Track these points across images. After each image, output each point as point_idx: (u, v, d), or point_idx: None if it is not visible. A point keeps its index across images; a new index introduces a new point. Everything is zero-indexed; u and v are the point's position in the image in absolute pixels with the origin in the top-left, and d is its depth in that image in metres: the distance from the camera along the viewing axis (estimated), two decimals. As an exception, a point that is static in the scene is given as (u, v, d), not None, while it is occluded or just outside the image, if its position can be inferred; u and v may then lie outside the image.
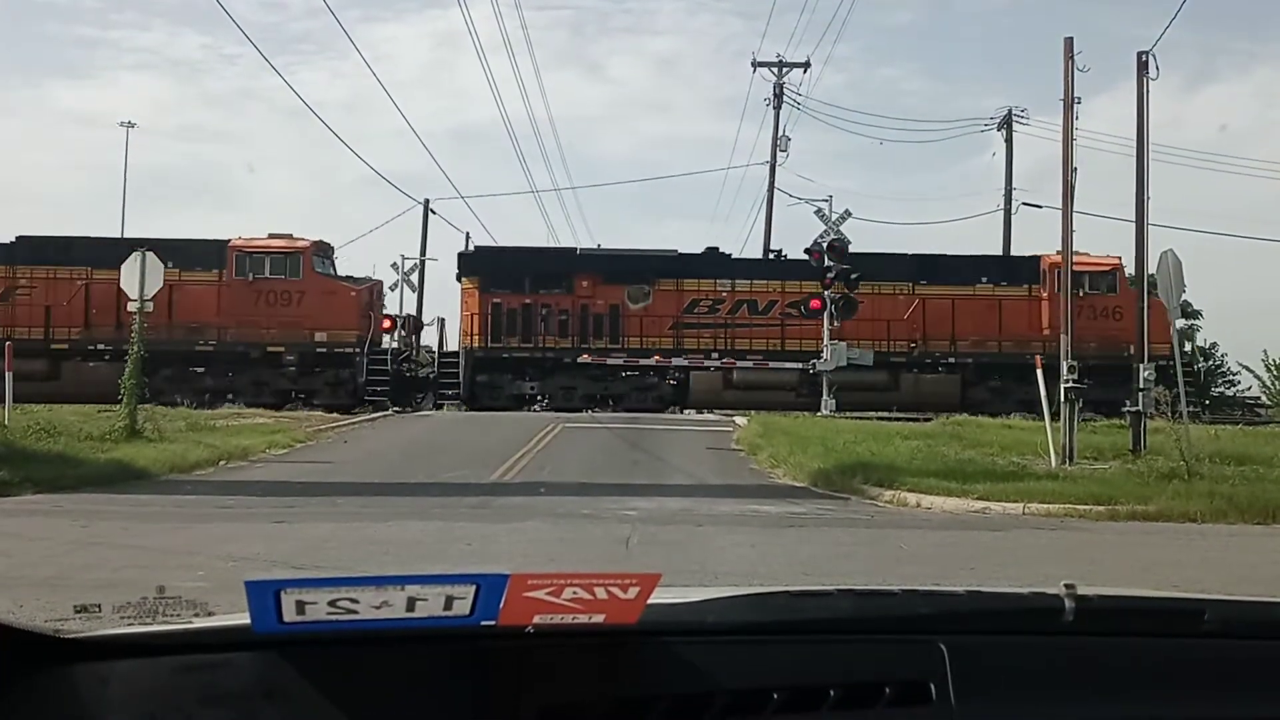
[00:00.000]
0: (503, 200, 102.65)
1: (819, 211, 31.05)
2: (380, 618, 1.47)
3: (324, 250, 31.36)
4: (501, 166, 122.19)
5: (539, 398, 30.48)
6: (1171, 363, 17.59)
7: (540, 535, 11.13)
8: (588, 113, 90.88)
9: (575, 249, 33.65)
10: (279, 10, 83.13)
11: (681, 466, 18.41)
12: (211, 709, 1.53)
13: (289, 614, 1.45)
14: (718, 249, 32.68)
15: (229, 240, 30.44)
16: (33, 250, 30.27)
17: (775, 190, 40.49)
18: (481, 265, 31.30)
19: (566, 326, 30.84)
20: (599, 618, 1.53)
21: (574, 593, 1.52)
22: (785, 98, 41.07)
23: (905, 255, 32.19)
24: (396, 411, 29.30)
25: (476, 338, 30.73)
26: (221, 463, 17.59)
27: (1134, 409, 17.93)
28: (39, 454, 16.03)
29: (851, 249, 29.45)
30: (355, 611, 1.46)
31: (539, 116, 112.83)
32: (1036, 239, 63.95)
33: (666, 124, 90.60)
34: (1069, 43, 19.01)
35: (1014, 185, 40.83)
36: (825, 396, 29.07)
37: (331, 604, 1.46)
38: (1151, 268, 19.30)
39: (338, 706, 1.54)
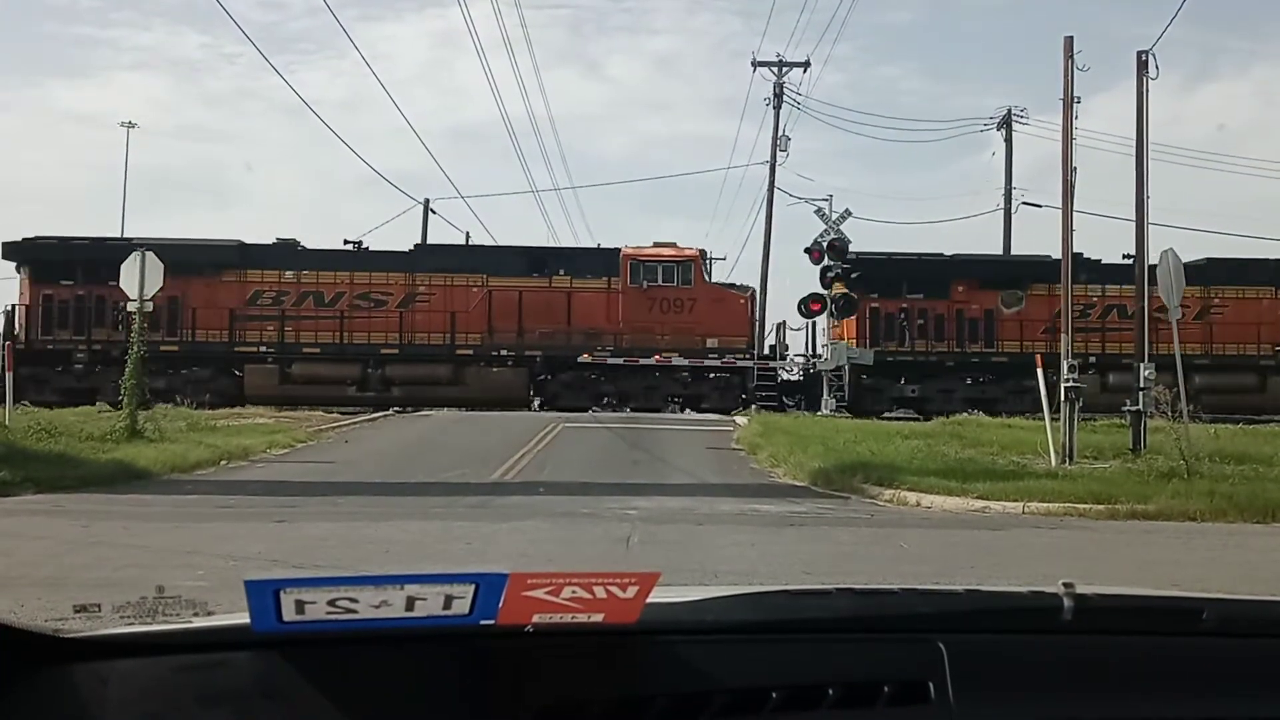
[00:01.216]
0: (502, 200, 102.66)
1: (819, 211, 31.06)
2: (379, 617, 1.47)
3: (705, 258, 32.16)
4: (501, 166, 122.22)
5: (921, 400, 30.57)
6: (1170, 361, 17.54)
7: (540, 535, 11.14)
8: (587, 112, 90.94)
9: (949, 256, 32.89)
10: (278, 9, 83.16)
11: (682, 466, 18.42)
12: (211, 708, 1.53)
13: (288, 613, 1.45)
14: (1082, 254, 32.72)
15: (619, 249, 31.14)
16: (432, 257, 31.07)
17: (775, 190, 40.53)
18: (863, 273, 30.60)
19: (942, 330, 31.00)
20: (598, 617, 1.53)
21: (573, 592, 1.52)
22: (785, 97, 41.09)
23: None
24: (397, 411, 29.32)
25: (854, 342, 30.61)
26: (222, 463, 17.59)
27: (1134, 408, 17.93)
28: (40, 454, 16.03)
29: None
30: (355, 611, 1.46)
31: (538, 116, 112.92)
32: (1037, 238, 64.01)
33: (666, 123, 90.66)
34: (1069, 42, 19.01)
35: (1014, 185, 40.89)
36: (825, 396, 29.08)
37: (331, 603, 1.46)
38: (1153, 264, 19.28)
39: (337, 706, 1.54)
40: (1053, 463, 16.76)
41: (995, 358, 30.57)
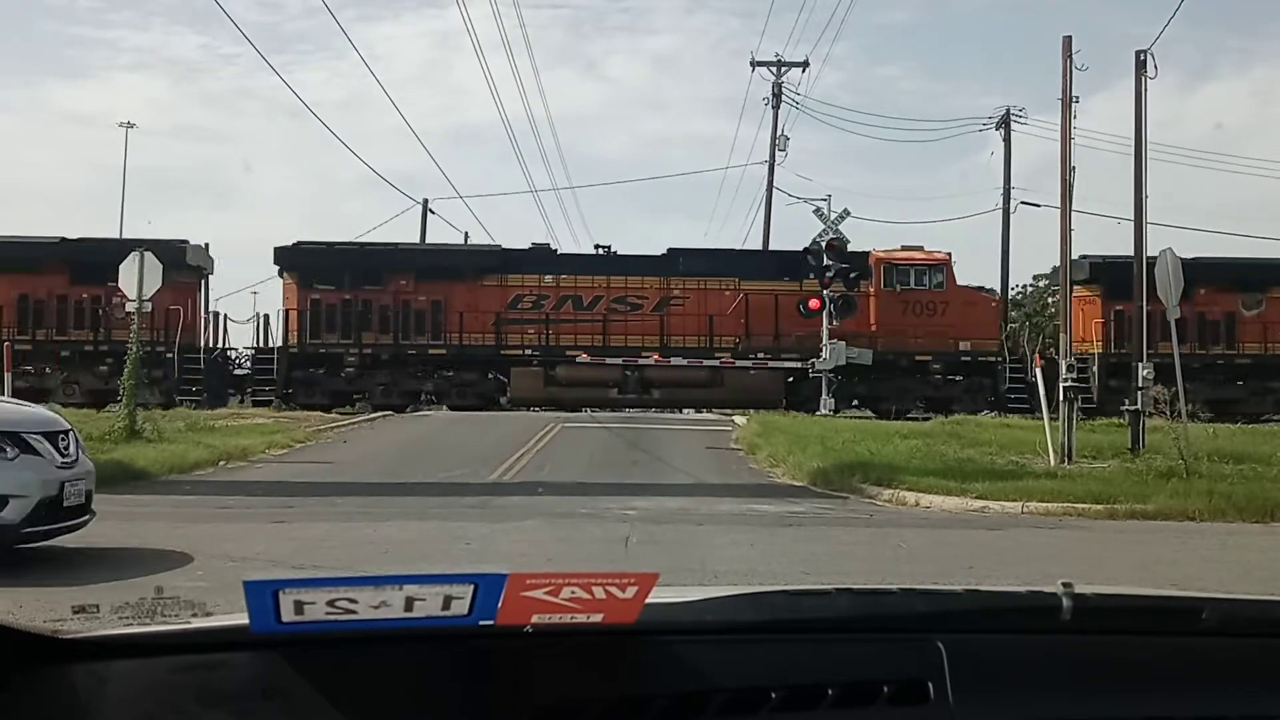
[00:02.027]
0: (502, 200, 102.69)
1: (818, 210, 31.09)
2: (378, 618, 1.47)
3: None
4: (500, 166, 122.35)
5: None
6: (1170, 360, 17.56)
7: (539, 535, 11.14)
8: (585, 112, 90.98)
9: (1190, 259, 33.18)
10: (276, 10, 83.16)
11: (680, 466, 18.42)
12: (210, 709, 1.53)
13: (287, 614, 1.45)
14: None
15: (868, 252, 31.30)
16: (686, 261, 31.28)
17: (774, 189, 40.55)
18: (1103, 276, 30.62)
19: (1184, 334, 31.12)
20: (597, 617, 1.53)
21: (572, 592, 1.52)
22: (784, 97, 41.11)
23: None
24: (395, 412, 29.34)
25: (1100, 345, 30.71)
26: (221, 463, 17.59)
27: (1133, 408, 17.95)
28: (38, 454, 15.99)
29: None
30: (354, 611, 1.46)
31: (537, 116, 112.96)
32: (1035, 238, 64.05)
33: (665, 123, 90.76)
34: (1067, 41, 19.03)
35: (1012, 184, 40.89)
36: (824, 396, 29.08)
37: (330, 604, 1.46)
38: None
39: (336, 706, 1.54)
40: (1052, 462, 16.77)
41: (1238, 360, 30.77)
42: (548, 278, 31.02)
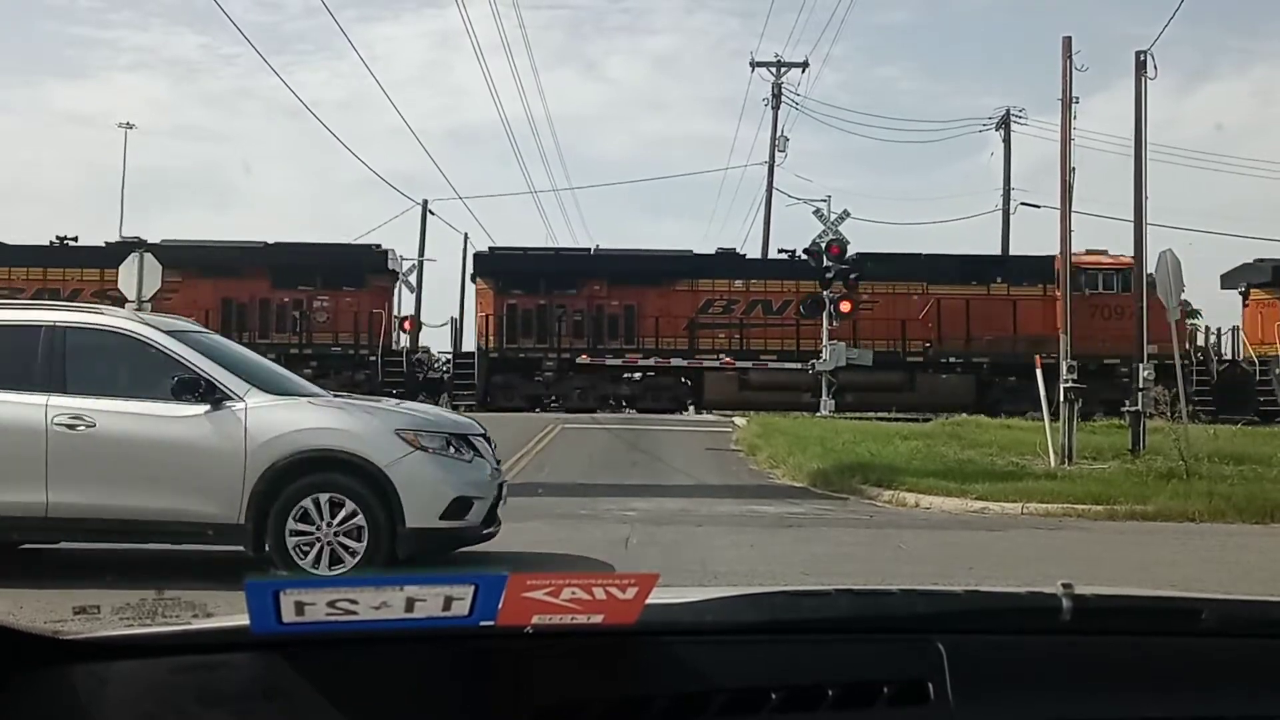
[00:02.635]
0: (501, 201, 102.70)
1: (817, 211, 31.09)
2: (379, 618, 1.47)
3: None
4: (500, 167, 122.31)
5: None
6: (1173, 361, 17.58)
7: (539, 536, 11.13)
8: (585, 112, 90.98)
9: None
10: (275, 10, 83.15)
11: (680, 467, 18.42)
12: (210, 709, 1.53)
13: (288, 615, 1.45)
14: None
15: (1051, 256, 30.85)
16: (873, 265, 31.31)
17: (774, 190, 40.56)
18: None
19: None
20: (597, 618, 1.53)
21: (572, 593, 1.52)
22: (783, 97, 41.13)
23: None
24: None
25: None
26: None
27: (1133, 409, 17.95)
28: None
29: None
30: (354, 612, 1.46)
31: (537, 116, 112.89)
32: (1035, 239, 64.02)
33: (664, 123, 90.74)
34: (1067, 42, 19.03)
35: (1012, 185, 40.92)
36: (824, 397, 29.09)
37: (330, 605, 1.46)
38: (1150, 267, 19.29)
39: (336, 707, 1.54)
40: (1052, 463, 16.77)
41: None
42: (737, 282, 31.45)
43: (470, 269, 32.24)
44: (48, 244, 31.45)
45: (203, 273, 29.88)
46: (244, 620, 1.47)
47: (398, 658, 1.57)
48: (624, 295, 31.02)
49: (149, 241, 29.49)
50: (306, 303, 30.20)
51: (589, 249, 33.33)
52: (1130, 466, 16.33)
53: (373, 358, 30.39)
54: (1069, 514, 13.31)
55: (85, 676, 1.56)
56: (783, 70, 41.21)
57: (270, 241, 31.22)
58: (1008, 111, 41.42)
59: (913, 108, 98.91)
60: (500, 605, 1.49)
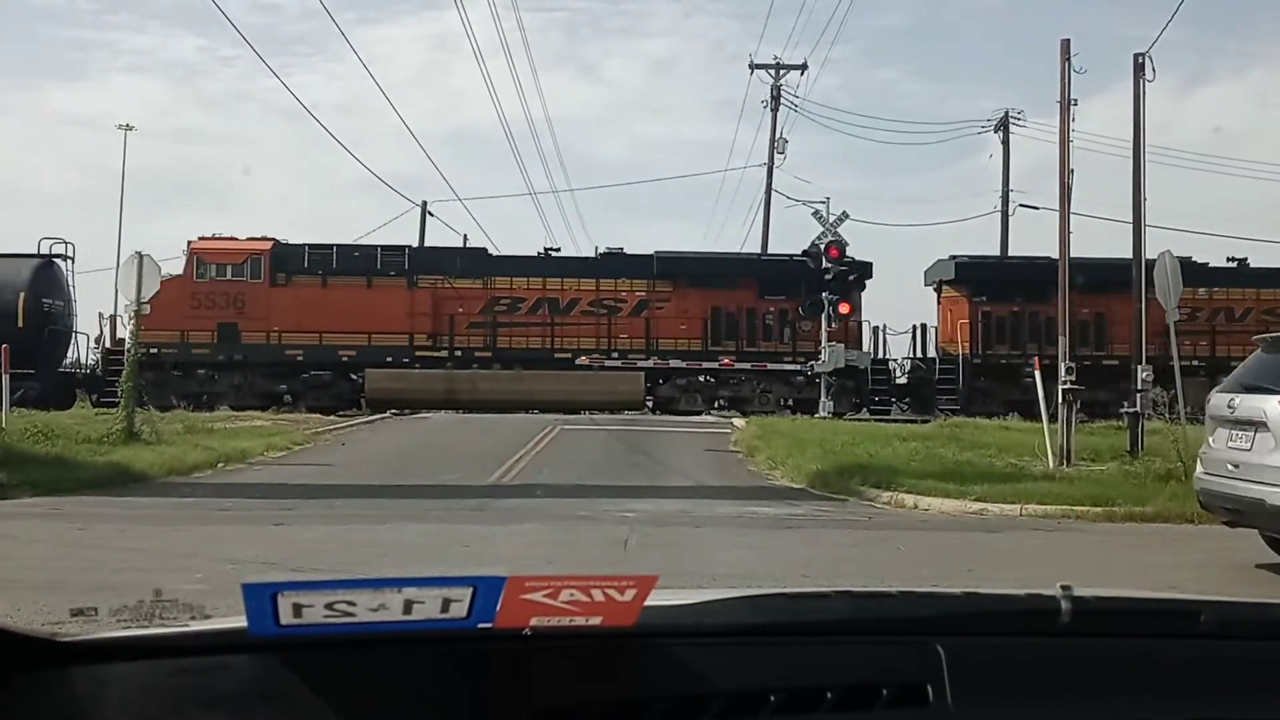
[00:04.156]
0: (500, 202, 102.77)
1: (817, 213, 31.12)
2: (377, 620, 1.47)
3: None
4: (498, 168, 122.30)
5: None
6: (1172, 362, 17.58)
7: (538, 537, 11.14)
8: (584, 114, 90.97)
9: None
10: (274, 12, 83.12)
11: (679, 468, 18.42)
12: (208, 711, 1.53)
13: (286, 617, 1.45)
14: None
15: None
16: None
17: (773, 192, 40.57)
18: None
19: None
20: (596, 620, 1.53)
21: (571, 595, 1.52)
22: (782, 99, 41.13)
23: None
24: (394, 414, 29.34)
25: None
26: (219, 465, 17.58)
27: (1131, 410, 17.95)
28: (37, 457, 16.02)
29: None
30: (352, 614, 1.46)
31: (536, 118, 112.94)
32: (1035, 241, 64.07)
33: (663, 125, 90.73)
34: (1065, 44, 19.04)
35: (1011, 187, 40.93)
36: (823, 398, 29.11)
37: (328, 606, 1.46)
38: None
39: (335, 709, 1.54)
40: (1050, 465, 16.77)
41: None
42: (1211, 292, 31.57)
43: (940, 276, 32.35)
44: (536, 254, 32.11)
45: (693, 283, 30.76)
46: (242, 622, 1.47)
47: (396, 660, 1.57)
48: (1093, 303, 30.85)
49: (646, 253, 31.05)
50: (790, 311, 30.81)
51: (1050, 258, 33.54)
52: (1129, 468, 16.33)
53: (861, 367, 30.82)
54: (1068, 515, 13.31)
55: (83, 679, 1.56)
56: (782, 72, 41.24)
57: (761, 254, 32.45)
58: (1006, 113, 41.47)
59: (911, 110, 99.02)
60: (498, 607, 1.49)
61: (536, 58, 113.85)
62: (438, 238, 41.55)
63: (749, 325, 31.13)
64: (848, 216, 31.04)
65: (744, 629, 1.76)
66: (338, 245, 31.36)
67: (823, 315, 29.28)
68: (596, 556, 9.98)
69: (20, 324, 29.20)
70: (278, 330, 29.98)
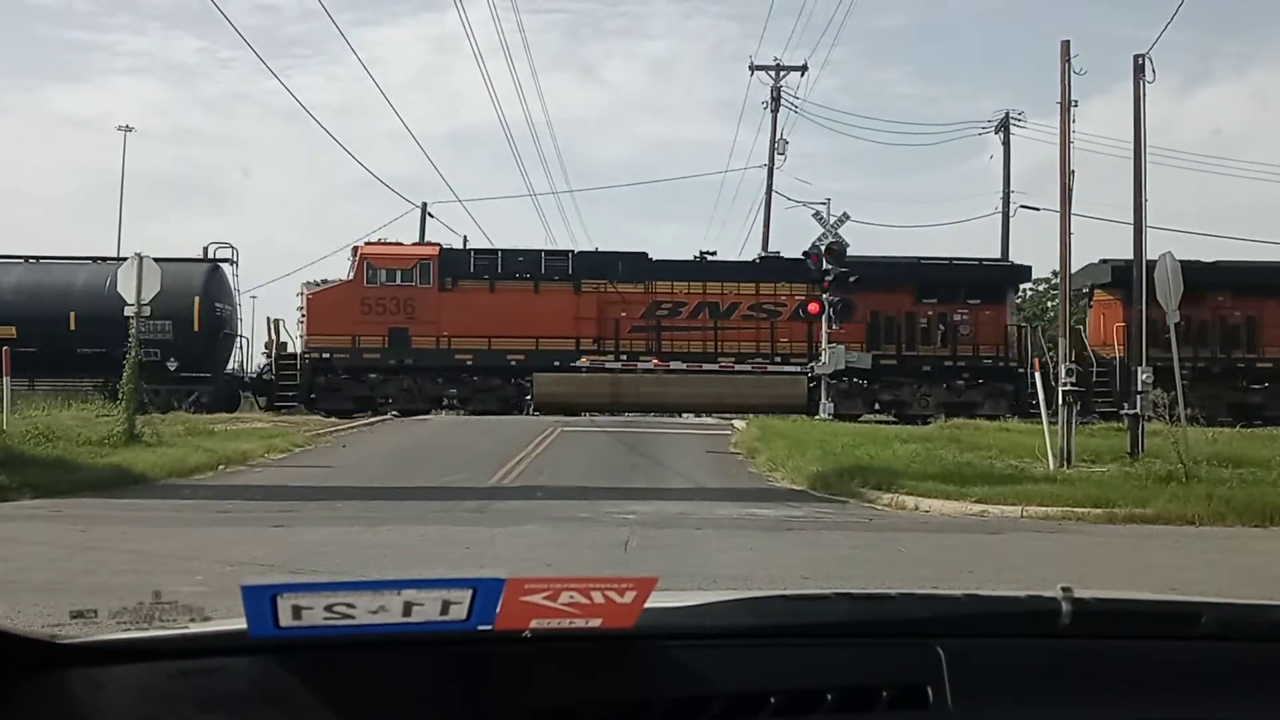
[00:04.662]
0: (500, 203, 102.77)
1: (817, 214, 31.11)
2: (376, 623, 1.47)
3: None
4: (498, 170, 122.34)
5: None
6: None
7: (538, 539, 11.13)
8: (584, 116, 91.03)
9: None
10: (273, 14, 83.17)
11: (680, 470, 18.42)
12: (208, 714, 1.53)
13: (285, 619, 1.45)
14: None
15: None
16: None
17: (773, 193, 40.58)
18: None
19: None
20: (596, 622, 1.53)
21: (571, 597, 1.52)
22: (782, 101, 41.13)
23: None
24: (395, 415, 29.34)
25: None
26: (220, 467, 17.58)
27: (1132, 412, 17.95)
28: (37, 458, 16.01)
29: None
30: (351, 616, 1.46)
31: (536, 120, 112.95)
32: (1035, 242, 64.08)
33: (663, 127, 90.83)
34: (1065, 46, 19.03)
35: (1012, 188, 40.94)
36: (823, 400, 29.10)
37: (328, 609, 1.46)
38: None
39: (334, 711, 1.54)
40: (1051, 467, 16.76)
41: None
42: None
43: (1092, 279, 32.01)
44: (693, 258, 32.19)
45: (853, 287, 30.72)
46: (241, 624, 1.47)
47: (396, 662, 1.57)
48: (1246, 306, 31.17)
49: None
50: (949, 316, 30.97)
51: (1217, 263, 32.34)
52: (1129, 469, 16.33)
53: (1021, 370, 30.68)
54: (1068, 517, 13.30)
55: (83, 681, 1.55)
56: (782, 74, 41.23)
57: (921, 258, 32.26)
58: (1007, 115, 41.48)
59: (912, 111, 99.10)
60: (498, 609, 1.49)
61: (536, 59, 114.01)
62: (437, 238, 41.57)
63: (908, 329, 31.30)
64: (848, 218, 31.05)
65: (744, 631, 1.76)
66: (502, 250, 31.70)
67: (823, 316, 29.27)
68: (597, 558, 9.98)
69: (196, 328, 29.69)
70: (447, 335, 30.16)
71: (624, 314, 30.45)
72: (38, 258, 31.49)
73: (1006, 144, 41.31)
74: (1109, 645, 1.81)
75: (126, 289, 19.38)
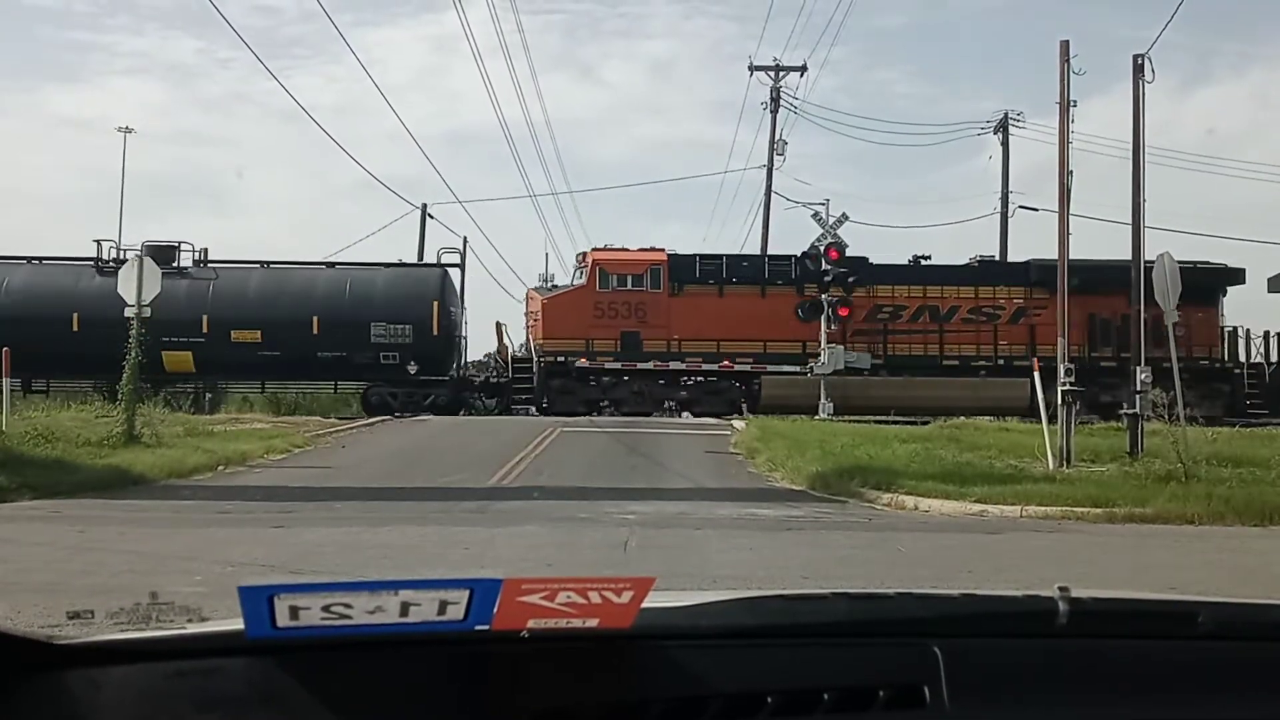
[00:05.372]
0: (499, 204, 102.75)
1: (816, 215, 31.15)
2: (374, 623, 1.47)
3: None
4: (498, 170, 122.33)
5: None
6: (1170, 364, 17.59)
7: (538, 539, 11.13)
8: (583, 116, 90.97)
9: None
10: (272, 14, 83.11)
11: (679, 470, 18.41)
12: (205, 714, 1.53)
13: (282, 619, 1.45)
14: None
15: None
16: None
17: (772, 193, 40.59)
18: None
19: None
20: (593, 622, 1.53)
21: (568, 597, 1.52)
22: (782, 101, 41.13)
23: None
24: (395, 416, 29.34)
25: None
26: (219, 468, 17.57)
27: (1131, 411, 17.95)
28: (36, 459, 16.01)
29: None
30: (349, 617, 1.46)
31: (535, 120, 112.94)
32: (1034, 242, 64.05)
33: (662, 127, 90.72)
34: (1064, 46, 19.03)
35: (1010, 188, 40.93)
36: (823, 399, 29.11)
37: (325, 609, 1.46)
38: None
39: (332, 712, 1.54)
40: (1050, 466, 16.76)
41: None
42: None
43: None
44: (909, 262, 32.37)
45: (1070, 289, 30.70)
46: (239, 625, 1.47)
47: (393, 662, 1.57)
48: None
49: (1022, 261, 31.03)
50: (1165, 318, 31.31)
51: None
52: (1129, 469, 16.32)
53: (1237, 371, 31.23)
54: (1068, 517, 13.30)
55: (80, 681, 1.55)
56: (781, 74, 41.22)
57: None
58: (1006, 115, 41.45)
59: (911, 111, 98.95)
60: (496, 609, 1.49)
61: (535, 60, 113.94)
62: (437, 239, 41.60)
63: (1125, 331, 31.44)
64: (847, 218, 31.10)
65: (741, 631, 1.76)
66: (727, 256, 32.35)
67: (822, 316, 29.28)
68: (596, 558, 9.98)
69: (435, 332, 30.15)
70: (677, 338, 30.58)
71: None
72: (268, 263, 32.07)
73: (1005, 144, 41.32)
74: (1107, 645, 1.81)
75: (127, 290, 19.37)
